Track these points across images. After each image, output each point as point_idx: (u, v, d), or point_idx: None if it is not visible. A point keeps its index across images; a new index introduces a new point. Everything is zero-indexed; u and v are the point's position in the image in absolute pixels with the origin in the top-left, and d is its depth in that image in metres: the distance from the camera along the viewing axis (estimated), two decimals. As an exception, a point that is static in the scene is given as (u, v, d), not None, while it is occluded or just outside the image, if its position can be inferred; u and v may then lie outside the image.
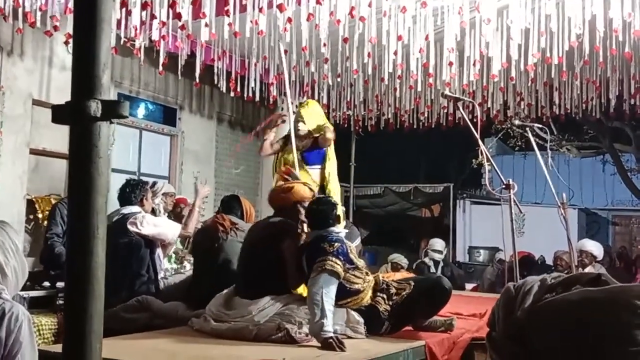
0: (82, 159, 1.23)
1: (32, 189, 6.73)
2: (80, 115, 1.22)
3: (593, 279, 1.00)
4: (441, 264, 8.89)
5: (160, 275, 5.12)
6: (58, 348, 3.42)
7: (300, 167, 5.50)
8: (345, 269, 4.02)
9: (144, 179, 6.38)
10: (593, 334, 0.94)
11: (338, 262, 3.95)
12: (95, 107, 1.22)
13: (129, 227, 4.98)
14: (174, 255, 5.86)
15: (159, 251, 5.18)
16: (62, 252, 5.53)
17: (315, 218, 4.33)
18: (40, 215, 6.64)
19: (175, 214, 6.32)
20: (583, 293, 0.97)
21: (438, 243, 9.02)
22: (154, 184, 5.97)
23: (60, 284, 5.22)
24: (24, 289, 3.26)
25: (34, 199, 6.69)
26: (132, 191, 5.26)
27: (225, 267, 4.73)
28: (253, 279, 4.26)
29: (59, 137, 6.82)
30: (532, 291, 0.98)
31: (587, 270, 6.49)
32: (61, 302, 5.03)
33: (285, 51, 6.45)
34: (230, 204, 5.30)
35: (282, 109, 9.01)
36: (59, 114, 1.27)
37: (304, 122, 5.69)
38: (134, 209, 5.16)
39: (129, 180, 5.54)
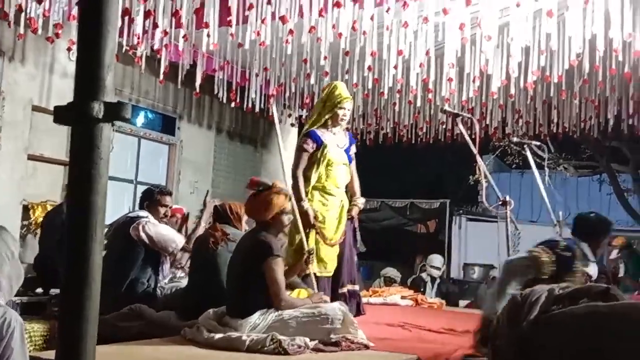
0: (83, 159, 1.22)
1: (29, 195, 6.71)
2: (83, 116, 1.21)
3: (601, 292, 0.99)
4: (438, 280, 8.86)
5: (160, 284, 5.10)
6: (49, 354, 3.41)
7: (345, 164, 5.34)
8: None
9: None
10: (599, 350, 0.93)
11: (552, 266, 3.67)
12: (97, 108, 1.21)
13: (131, 231, 4.95)
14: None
15: (164, 261, 5.14)
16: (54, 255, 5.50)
17: (581, 228, 4.20)
18: (35, 222, 6.62)
19: (171, 224, 6.27)
20: (590, 308, 0.96)
21: (437, 259, 8.98)
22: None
23: (53, 291, 5.18)
24: (16, 294, 3.24)
25: (29, 205, 6.66)
26: (149, 196, 5.25)
27: (216, 278, 4.69)
28: (241, 297, 4.21)
29: (57, 144, 6.81)
30: (539, 302, 0.97)
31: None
32: (55, 308, 4.99)
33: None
34: (222, 214, 5.26)
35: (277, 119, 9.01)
36: (61, 114, 1.26)
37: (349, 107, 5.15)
38: (142, 213, 5.13)
39: (150, 186, 5.55)
